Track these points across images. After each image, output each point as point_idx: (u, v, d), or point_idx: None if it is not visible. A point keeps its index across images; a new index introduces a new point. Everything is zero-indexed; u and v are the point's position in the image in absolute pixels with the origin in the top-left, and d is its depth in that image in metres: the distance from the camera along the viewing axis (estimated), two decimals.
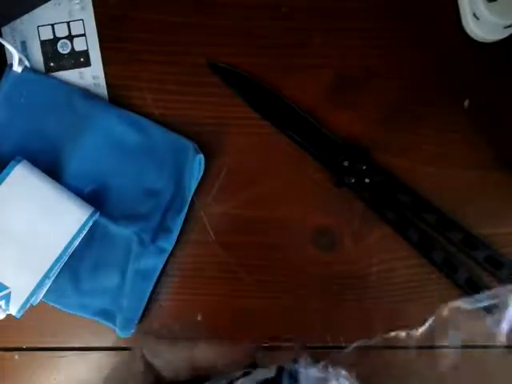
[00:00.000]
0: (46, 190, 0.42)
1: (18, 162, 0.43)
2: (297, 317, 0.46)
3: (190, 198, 0.45)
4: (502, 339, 0.37)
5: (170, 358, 0.24)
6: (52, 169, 0.44)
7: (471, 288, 0.44)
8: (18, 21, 0.45)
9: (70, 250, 0.43)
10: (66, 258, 0.43)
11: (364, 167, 0.44)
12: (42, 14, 0.45)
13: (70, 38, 0.46)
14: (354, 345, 0.37)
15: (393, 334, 0.41)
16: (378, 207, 0.45)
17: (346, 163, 0.44)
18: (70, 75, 0.46)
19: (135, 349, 0.25)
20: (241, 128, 0.46)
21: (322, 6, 0.45)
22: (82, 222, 0.43)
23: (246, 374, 0.28)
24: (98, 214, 0.44)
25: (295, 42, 0.45)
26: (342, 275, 0.46)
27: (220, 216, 0.46)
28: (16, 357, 0.47)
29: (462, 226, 0.44)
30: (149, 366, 0.24)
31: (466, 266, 0.44)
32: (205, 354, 0.23)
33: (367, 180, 0.43)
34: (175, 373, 0.24)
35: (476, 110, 0.45)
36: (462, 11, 0.44)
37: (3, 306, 0.42)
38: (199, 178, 0.45)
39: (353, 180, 0.44)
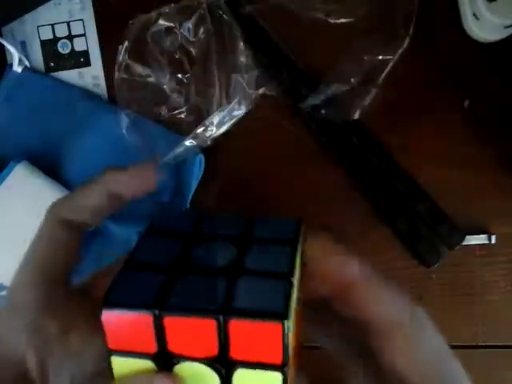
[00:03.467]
0: (45, 190, 0.43)
1: (18, 162, 0.43)
2: None
3: (190, 198, 0.45)
4: None
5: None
6: (52, 169, 0.44)
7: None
8: (17, 21, 0.45)
9: None
10: None
11: (321, 96, 0.43)
12: (42, 14, 0.45)
13: (70, 38, 0.46)
14: None
15: None
16: (332, 144, 0.45)
17: (304, 91, 0.44)
18: (70, 75, 0.46)
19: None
20: (241, 128, 0.46)
21: None
22: None
23: None
24: None
25: None
26: None
27: None
28: None
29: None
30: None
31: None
32: None
33: (323, 111, 0.43)
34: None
35: (476, 109, 0.45)
36: (462, 11, 0.44)
37: None
38: (199, 178, 0.45)
39: (309, 109, 0.44)
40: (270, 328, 0.17)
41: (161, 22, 0.44)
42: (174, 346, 0.18)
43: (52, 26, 0.46)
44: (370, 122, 0.45)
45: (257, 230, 0.21)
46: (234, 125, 0.44)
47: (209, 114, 0.44)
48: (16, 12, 0.45)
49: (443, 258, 0.44)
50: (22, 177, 0.42)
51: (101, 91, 0.46)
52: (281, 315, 0.17)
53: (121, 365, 0.19)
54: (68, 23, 0.46)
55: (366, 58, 0.43)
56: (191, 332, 0.18)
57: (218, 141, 0.45)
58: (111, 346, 0.19)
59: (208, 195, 0.46)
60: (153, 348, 0.19)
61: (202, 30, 0.44)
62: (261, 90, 0.44)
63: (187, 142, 0.44)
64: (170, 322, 0.18)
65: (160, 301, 0.18)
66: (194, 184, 0.45)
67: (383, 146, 0.45)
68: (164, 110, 0.45)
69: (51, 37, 0.46)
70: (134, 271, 0.19)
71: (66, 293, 0.22)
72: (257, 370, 0.18)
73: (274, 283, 0.19)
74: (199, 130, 0.44)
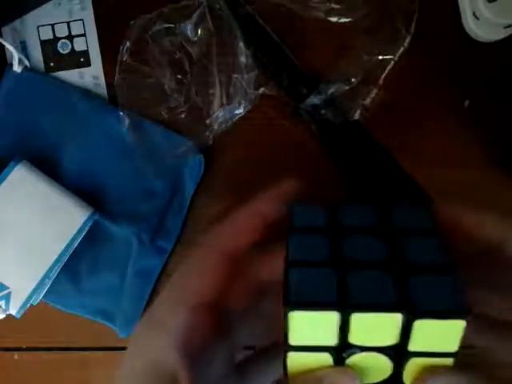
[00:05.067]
0: (45, 190, 0.43)
1: (18, 162, 0.43)
2: None
3: (189, 198, 0.45)
4: None
5: None
6: (52, 169, 0.44)
7: None
8: (17, 21, 0.45)
9: (70, 250, 0.43)
10: (65, 258, 0.43)
11: (322, 96, 0.43)
12: (42, 14, 0.45)
13: (70, 37, 0.46)
14: None
15: None
16: (332, 144, 0.45)
17: (304, 91, 0.44)
18: (70, 75, 0.46)
19: None
20: (241, 128, 0.46)
21: None
22: (82, 222, 0.43)
23: None
24: (97, 214, 0.44)
25: None
26: None
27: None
28: (16, 357, 0.47)
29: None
30: None
31: None
32: None
33: (323, 111, 0.43)
34: None
35: (476, 110, 0.45)
36: (462, 11, 0.44)
37: (3, 306, 0.42)
38: (199, 178, 0.45)
39: (309, 108, 0.44)
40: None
41: (161, 22, 0.44)
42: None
43: (52, 26, 0.46)
44: (370, 122, 0.45)
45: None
46: (234, 125, 0.44)
47: (209, 114, 0.44)
48: (16, 12, 0.45)
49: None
50: (22, 177, 0.42)
51: (101, 91, 0.46)
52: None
53: (296, 360, 0.20)
54: (68, 23, 0.46)
55: (366, 57, 0.43)
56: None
57: (218, 141, 0.45)
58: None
59: (208, 195, 0.46)
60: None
61: (201, 30, 0.44)
62: (261, 90, 0.44)
63: (187, 142, 0.44)
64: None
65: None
66: (194, 184, 0.45)
67: (383, 146, 0.45)
68: (164, 110, 0.45)
69: (51, 37, 0.46)
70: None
71: (209, 313, 0.24)
72: (429, 358, 0.20)
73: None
74: (199, 130, 0.44)
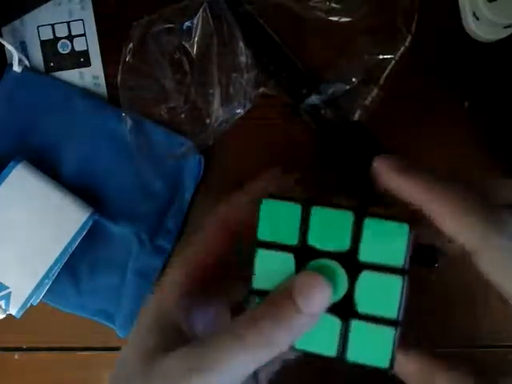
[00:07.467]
0: (45, 190, 0.43)
1: (18, 162, 0.43)
2: None
3: (189, 198, 0.45)
4: None
5: None
6: (51, 169, 0.44)
7: None
8: (17, 21, 0.45)
9: (70, 250, 0.43)
10: (65, 258, 0.43)
11: (322, 96, 0.43)
12: (42, 14, 0.45)
13: (70, 37, 0.46)
14: None
15: None
16: (332, 144, 0.45)
17: (304, 91, 0.44)
18: (70, 75, 0.46)
19: None
20: (241, 128, 0.46)
21: None
22: (82, 222, 0.43)
23: None
24: (97, 214, 0.44)
25: None
26: None
27: None
28: (16, 357, 0.47)
29: None
30: None
31: None
32: None
33: (323, 111, 0.43)
34: None
35: (476, 110, 0.45)
36: (462, 11, 0.44)
37: (3, 306, 0.42)
38: (199, 178, 0.45)
39: (309, 108, 0.44)
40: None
41: (161, 22, 0.44)
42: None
43: (52, 26, 0.46)
44: (370, 122, 0.45)
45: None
46: (234, 125, 0.44)
47: (209, 114, 0.44)
48: (16, 12, 0.45)
49: (443, 257, 0.44)
50: (22, 177, 0.42)
51: (101, 91, 0.46)
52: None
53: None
54: (68, 23, 0.46)
55: (366, 57, 0.43)
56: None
57: (218, 141, 0.45)
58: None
59: (208, 195, 0.46)
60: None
61: (201, 29, 0.44)
62: (260, 90, 0.44)
63: (187, 142, 0.44)
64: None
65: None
66: (194, 184, 0.45)
67: (383, 146, 0.45)
68: (164, 110, 0.45)
69: (51, 37, 0.46)
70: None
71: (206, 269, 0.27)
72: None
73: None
74: (199, 130, 0.44)
